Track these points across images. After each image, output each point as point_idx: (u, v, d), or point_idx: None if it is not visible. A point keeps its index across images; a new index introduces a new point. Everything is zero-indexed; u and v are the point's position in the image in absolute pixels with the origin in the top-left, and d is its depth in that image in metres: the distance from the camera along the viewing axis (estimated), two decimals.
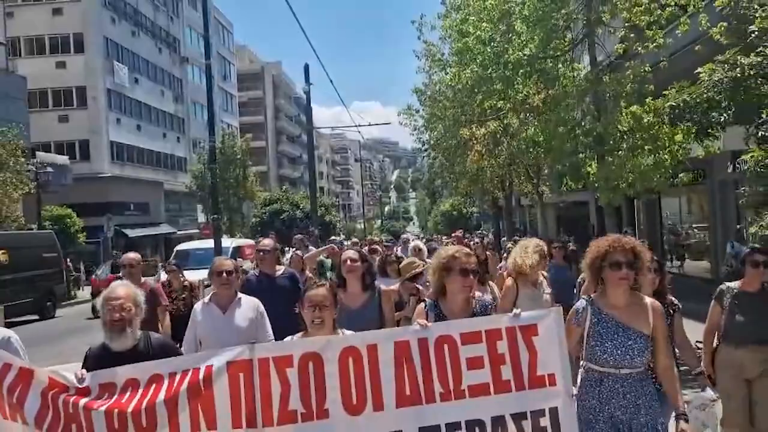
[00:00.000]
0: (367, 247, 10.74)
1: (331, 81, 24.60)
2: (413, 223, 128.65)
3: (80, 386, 3.17)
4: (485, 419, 3.27)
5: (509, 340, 3.34)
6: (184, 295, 7.90)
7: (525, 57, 10.61)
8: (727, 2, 6.72)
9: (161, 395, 3.13)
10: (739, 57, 6.45)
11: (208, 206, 45.54)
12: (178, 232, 49.47)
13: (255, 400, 3.18)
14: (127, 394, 3.16)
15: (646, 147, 9.99)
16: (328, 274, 7.82)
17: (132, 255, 6.58)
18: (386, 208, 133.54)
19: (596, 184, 10.84)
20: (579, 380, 3.53)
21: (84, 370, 3.22)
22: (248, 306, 4.72)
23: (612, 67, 11.76)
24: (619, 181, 10.23)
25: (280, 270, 6.11)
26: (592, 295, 3.52)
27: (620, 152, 10.37)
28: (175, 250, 20.72)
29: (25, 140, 25.13)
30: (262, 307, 4.78)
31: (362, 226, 70.39)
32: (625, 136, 10.10)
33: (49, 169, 25.07)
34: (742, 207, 9.32)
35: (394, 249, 12.23)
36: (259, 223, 35.76)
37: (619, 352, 3.34)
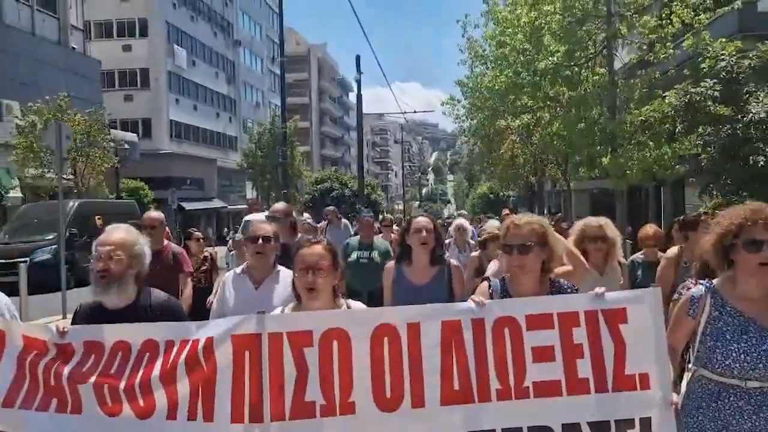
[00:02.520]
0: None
1: (380, 66, 26.91)
2: (450, 204, 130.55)
3: (62, 342, 2.70)
4: (554, 426, 2.59)
5: (589, 328, 2.64)
6: (204, 267, 7.27)
7: (552, 65, 12.81)
8: (691, 44, 8.88)
9: (156, 369, 2.63)
10: (690, 87, 8.65)
11: (258, 183, 49.27)
12: (229, 207, 52.78)
13: (262, 387, 2.57)
14: (117, 361, 2.66)
15: (650, 143, 12.09)
16: (355, 254, 7.02)
17: (154, 214, 5.89)
18: (424, 190, 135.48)
19: (608, 173, 13.04)
20: (684, 389, 2.80)
21: (67, 324, 2.79)
22: (287, 282, 3.56)
23: (627, 74, 13.82)
24: (627, 171, 12.39)
25: (297, 238, 5.54)
26: (714, 281, 2.74)
27: (630, 146, 12.50)
28: (243, 220, 23.37)
29: (101, 119, 28.12)
30: None
31: (401, 207, 72.76)
32: (633, 134, 12.22)
33: (126, 146, 28.03)
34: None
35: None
36: (311, 200, 38.55)
37: (748, 358, 2.52)
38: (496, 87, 14.61)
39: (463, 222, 8.35)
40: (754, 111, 8.21)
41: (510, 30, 13.47)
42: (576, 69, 13.37)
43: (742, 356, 2.55)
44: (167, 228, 6.06)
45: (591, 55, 13.28)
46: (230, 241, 9.54)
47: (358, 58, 28.12)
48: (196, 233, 7.79)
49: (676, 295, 3.13)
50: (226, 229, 48.56)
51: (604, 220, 4.54)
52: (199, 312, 6.53)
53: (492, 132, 22.68)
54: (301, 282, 2.86)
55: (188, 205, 44.02)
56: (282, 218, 5.29)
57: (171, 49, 46.16)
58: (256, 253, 3.86)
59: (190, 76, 49.00)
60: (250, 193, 55.62)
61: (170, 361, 2.64)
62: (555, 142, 15.90)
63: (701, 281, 2.83)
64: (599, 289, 2.73)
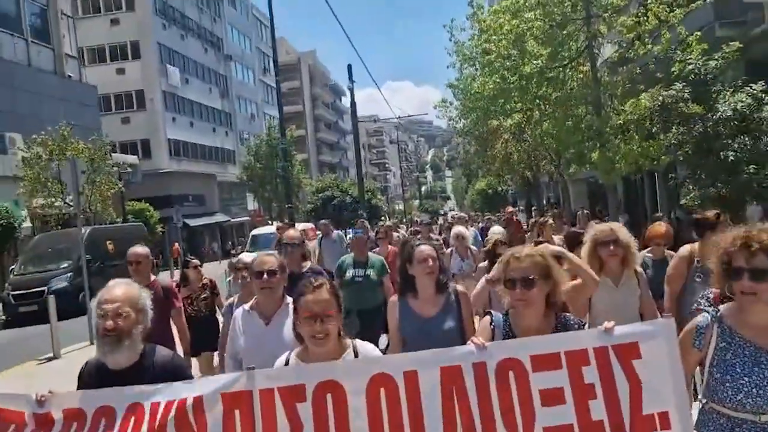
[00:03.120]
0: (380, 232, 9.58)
1: (369, 73, 27.48)
2: (450, 200, 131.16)
3: (40, 411, 2.56)
4: None
5: (600, 366, 2.52)
6: (204, 295, 7.10)
7: (536, 68, 13.40)
8: (667, 41, 9.48)
9: None
10: (662, 90, 9.27)
11: (259, 194, 49.90)
12: (232, 220, 53.45)
13: None
14: (100, 428, 2.52)
15: (635, 136, 12.66)
16: (350, 272, 6.78)
17: (140, 249, 5.59)
18: (423, 188, 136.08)
19: (597, 168, 13.63)
20: (695, 423, 2.61)
21: (48, 392, 2.62)
22: None
23: (610, 71, 14.42)
24: (615, 165, 12.97)
25: (305, 266, 5.45)
26: (721, 308, 2.62)
27: (617, 141, 13.08)
28: (250, 235, 24.04)
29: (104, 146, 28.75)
30: None
31: (401, 207, 73.33)
32: (618, 130, 12.81)
33: (129, 169, 28.63)
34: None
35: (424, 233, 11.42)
36: (312, 209, 39.19)
37: (761, 392, 2.40)
38: (485, 93, 15.19)
39: (461, 230, 8.18)
40: (721, 109, 8.91)
41: (495, 37, 14.04)
42: (560, 69, 13.95)
43: (755, 390, 2.40)
44: (153, 262, 5.79)
45: (573, 56, 13.85)
46: (227, 266, 9.13)
47: (349, 68, 28.76)
48: (194, 261, 7.57)
49: (694, 306, 3.16)
50: (230, 243, 49.29)
51: (615, 225, 4.35)
52: (205, 341, 6.46)
53: (486, 131, 23.26)
54: (307, 331, 2.76)
55: (192, 222, 44.60)
56: (295, 248, 5.27)
57: (164, 69, 46.78)
58: (261, 288, 3.72)
59: (184, 94, 49.60)
60: (252, 205, 56.35)
61: (157, 423, 2.51)
62: (545, 140, 16.51)
63: (706, 309, 2.73)
64: (607, 324, 2.57)
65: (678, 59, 10.01)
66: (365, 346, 2.95)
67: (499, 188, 44.29)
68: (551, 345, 2.59)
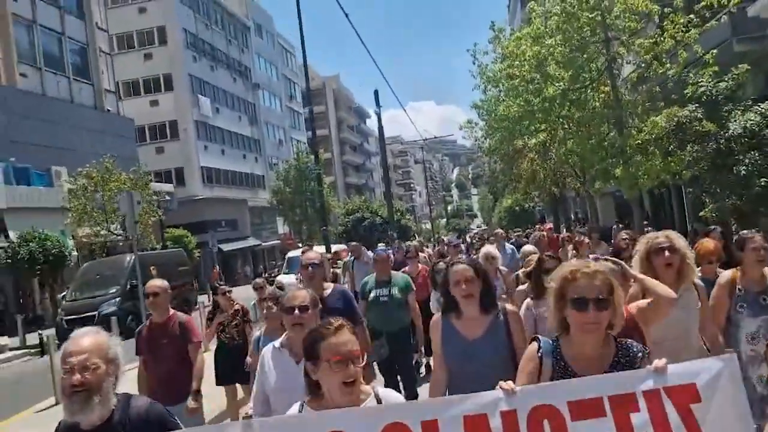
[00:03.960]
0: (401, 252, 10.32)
1: (395, 95, 28.27)
2: (477, 218, 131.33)
3: None
4: None
5: (652, 412, 2.19)
6: (236, 321, 7.12)
7: (559, 91, 14.09)
8: (678, 72, 10.15)
9: None
10: (677, 110, 9.91)
11: (289, 218, 51.02)
12: (263, 244, 54.64)
13: None
14: None
15: (657, 152, 13.23)
16: (374, 293, 6.61)
17: (158, 282, 5.38)
18: (449, 207, 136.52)
19: (620, 183, 14.21)
20: None
21: None
22: None
23: (630, 89, 15.04)
24: (638, 180, 13.55)
25: (328, 288, 5.15)
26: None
27: (638, 158, 13.66)
28: (286, 258, 24.94)
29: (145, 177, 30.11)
30: None
31: (429, 226, 73.89)
32: (640, 147, 13.41)
33: (168, 198, 29.84)
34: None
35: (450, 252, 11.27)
36: (343, 230, 40.10)
37: None
38: (510, 115, 15.91)
39: (491, 250, 7.64)
40: (732, 127, 9.65)
41: (517, 62, 14.78)
42: (582, 91, 14.60)
43: None
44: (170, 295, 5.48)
45: (594, 77, 14.51)
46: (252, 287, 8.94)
47: (376, 93, 29.69)
48: (222, 286, 7.58)
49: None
50: (262, 267, 50.33)
51: (670, 232, 3.87)
52: (234, 371, 6.62)
53: (511, 150, 23.90)
54: (338, 377, 2.38)
55: (225, 246, 45.79)
56: (316, 269, 5.05)
57: (195, 100, 48.42)
58: (293, 324, 3.46)
59: (215, 123, 51.19)
60: (282, 229, 57.54)
61: None
62: (570, 159, 17.14)
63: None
64: (658, 362, 2.29)
65: (691, 82, 10.71)
66: (388, 395, 2.62)
67: (526, 205, 44.70)
68: (592, 388, 2.26)
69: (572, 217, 40.42)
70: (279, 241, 55.44)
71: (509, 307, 3.73)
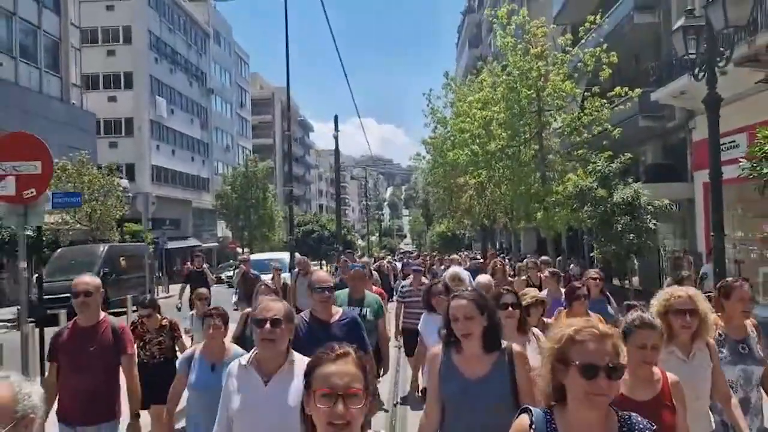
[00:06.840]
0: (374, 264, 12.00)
1: (356, 109, 31.28)
2: (406, 239, 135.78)
3: None
4: None
5: None
6: (159, 338, 6.41)
7: (499, 146, 17.87)
8: (599, 131, 14.09)
9: None
10: (582, 179, 13.85)
11: (231, 222, 53.00)
12: (202, 245, 56.20)
13: None
14: None
15: (567, 207, 17.03)
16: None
17: (88, 278, 4.58)
18: (381, 225, 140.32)
19: (540, 225, 18.09)
20: None
21: None
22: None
23: (554, 151, 19.02)
24: (552, 224, 17.38)
25: (337, 314, 4.78)
26: None
27: (556, 209, 17.47)
28: (245, 260, 27.38)
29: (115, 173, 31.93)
30: None
31: (364, 243, 77.14)
32: (555, 201, 17.28)
33: (130, 194, 31.74)
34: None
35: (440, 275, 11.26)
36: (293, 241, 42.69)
37: None
38: (458, 161, 19.57)
39: (458, 271, 7.02)
40: (616, 197, 14.01)
41: (468, 120, 18.47)
42: (517, 148, 18.38)
43: None
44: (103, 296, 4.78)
45: (527, 139, 18.34)
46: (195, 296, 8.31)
47: (336, 118, 32.50)
48: (147, 307, 6.57)
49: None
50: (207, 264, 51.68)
51: (693, 291, 3.70)
52: (153, 391, 5.38)
53: (453, 184, 27.59)
54: (323, 413, 1.87)
55: (168, 245, 47.37)
56: (331, 289, 4.74)
57: (153, 100, 49.99)
58: (262, 339, 3.07)
59: (169, 124, 52.78)
60: (221, 232, 59.41)
61: None
62: (502, 201, 20.96)
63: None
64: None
65: (592, 161, 14.89)
66: None
67: (458, 232, 48.72)
68: None
69: (497, 246, 44.69)
70: (216, 244, 57.37)
71: (515, 347, 3.36)
